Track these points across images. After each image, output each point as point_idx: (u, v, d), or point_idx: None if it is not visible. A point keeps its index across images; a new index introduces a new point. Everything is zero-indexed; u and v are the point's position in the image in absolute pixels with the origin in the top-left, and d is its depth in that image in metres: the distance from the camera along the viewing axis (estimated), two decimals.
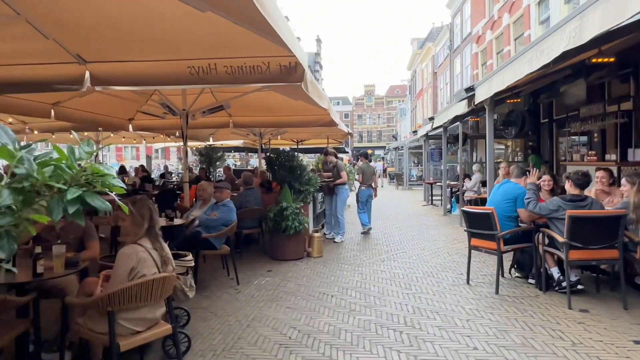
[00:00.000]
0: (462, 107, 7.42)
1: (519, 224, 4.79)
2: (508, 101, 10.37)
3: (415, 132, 14.89)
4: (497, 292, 4.56)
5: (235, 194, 7.06)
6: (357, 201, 8.58)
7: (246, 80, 4.34)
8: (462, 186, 9.45)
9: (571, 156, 9.23)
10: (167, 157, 29.57)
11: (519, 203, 4.68)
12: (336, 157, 8.32)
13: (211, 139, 14.20)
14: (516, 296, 4.46)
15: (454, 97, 7.31)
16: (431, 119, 10.89)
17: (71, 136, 11.81)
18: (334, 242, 7.87)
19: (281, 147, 22.88)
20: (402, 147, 23.89)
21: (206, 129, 12.21)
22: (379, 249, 7.16)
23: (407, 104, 53.17)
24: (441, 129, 11.46)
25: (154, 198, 8.95)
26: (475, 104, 6.72)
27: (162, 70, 4.48)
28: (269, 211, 6.52)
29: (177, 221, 5.16)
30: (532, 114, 14.09)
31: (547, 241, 4.43)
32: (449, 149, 15.12)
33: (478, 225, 4.73)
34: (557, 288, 4.43)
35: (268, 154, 7.57)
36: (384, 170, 43.86)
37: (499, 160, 17.60)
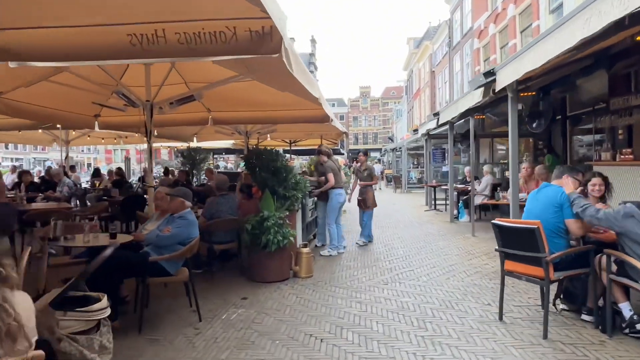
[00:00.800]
0: (476, 97, 6.25)
1: (569, 241, 3.62)
2: (522, 95, 9.25)
3: (415, 130, 13.75)
4: (545, 336, 3.36)
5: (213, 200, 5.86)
6: (366, 207, 7.47)
7: (206, 52, 3.16)
8: (473, 190, 8.27)
9: (599, 155, 8.10)
10: (159, 158, 28.27)
11: (566, 212, 3.51)
12: (330, 157, 7.13)
13: (195, 139, 13.05)
14: (573, 342, 3.27)
15: (470, 83, 6.15)
16: (436, 114, 9.74)
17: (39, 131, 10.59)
18: (328, 255, 6.68)
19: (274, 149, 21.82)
20: (400, 147, 22.75)
21: (189, 128, 11.08)
22: (381, 266, 5.96)
23: (404, 104, 52.15)
24: (446, 127, 10.31)
25: (117, 205, 7.72)
26: (496, 90, 5.55)
27: (94, 39, 3.30)
28: (245, 222, 5.32)
29: (121, 239, 3.93)
30: (540, 112, 13.02)
31: (614, 267, 3.26)
32: (456, 148, 14.01)
33: (516, 244, 3.55)
34: (627, 330, 3.25)
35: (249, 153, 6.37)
36: (381, 172, 42.80)
37: (504, 162, 16.53)
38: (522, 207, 5.93)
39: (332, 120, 7.20)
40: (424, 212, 12.01)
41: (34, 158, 48.95)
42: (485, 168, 9.58)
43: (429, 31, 36.09)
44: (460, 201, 10.19)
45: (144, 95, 5.31)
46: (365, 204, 7.45)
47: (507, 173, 15.31)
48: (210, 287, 5.03)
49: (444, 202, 12.36)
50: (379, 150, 62.05)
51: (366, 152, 7.96)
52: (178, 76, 6.21)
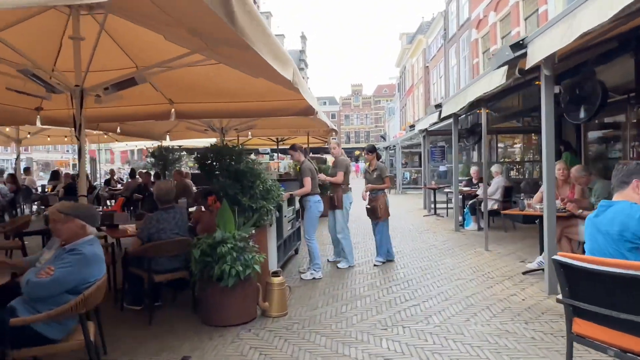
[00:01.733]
0: (496, 80, 4.92)
1: None
2: (537, 82, 7.96)
3: (412, 126, 12.43)
4: None
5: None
6: (377, 217, 6.08)
7: None
8: (486, 194, 6.95)
9: (635, 152, 6.85)
10: (122, 161, 26.71)
11: None
12: (306, 155, 5.78)
13: (168, 137, 11.62)
14: None
15: (491, 60, 4.78)
16: (438, 106, 8.40)
17: None
18: (310, 278, 5.32)
19: (260, 149, 20.15)
20: (394, 146, 21.44)
21: (161, 124, 9.74)
22: (377, 297, 4.60)
23: (396, 102, 50.97)
24: (449, 121, 8.99)
25: None
26: (527, 67, 4.23)
27: None
28: (194, 246, 3.94)
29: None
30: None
31: None
32: (463, 146, 12.69)
33: (602, 296, 2.20)
34: None
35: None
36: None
37: (508, 161, 15.30)
38: (558, 219, 4.65)
39: (317, 113, 5.87)
40: (423, 218, 10.68)
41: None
42: (495, 168, 8.28)
43: (422, 26, 34.85)
44: (466, 206, 8.87)
45: (73, 79, 3.90)
46: (375, 214, 6.06)
47: (512, 174, 14.10)
48: (143, 335, 3.64)
49: (444, 206, 11.05)
50: None
51: (373, 148, 6.35)
52: (127, 60, 4.85)
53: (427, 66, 30.30)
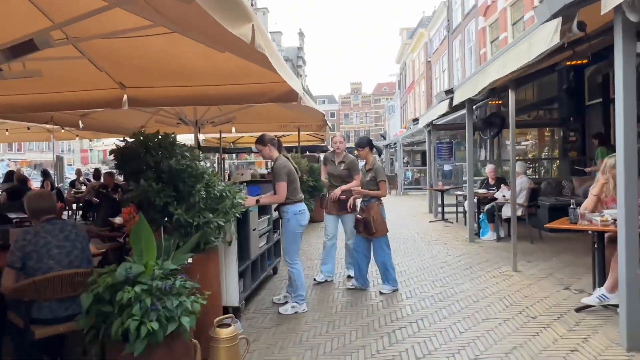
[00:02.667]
0: (541, 42, 3.52)
1: None
2: (561, 68, 6.57)
3: (415, 120, 10.99)
4: None
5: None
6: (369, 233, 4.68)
7: None
8: (514, 197, 5.53)
9: None
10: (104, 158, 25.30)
11: None
12: (281, 150, 4.38)
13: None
14: None
15: (537, 9, 3.32)
16: (449, 92, 6.99)
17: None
18: (292, 312, 3.92)
19: (254, 147, 18.74)
20: (395, 143, 20.02)
21: (136, 117, 8.36)
22: (376, 354, 3.19)
23: (396, 100, 49.60)
24: (461, 112, 7.60)
25: None
26: (603, 12, 2.81)
27: None
28: (90, 284, 2.53)
29: None
30: (572, 94, 10.36)
31: None
32: (478, 140, 11.18)
33: None
34: None
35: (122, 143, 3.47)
36: None
37: (520, 159, 13.87)
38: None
39: (300, 98, 4.47)
40: (430, 225, 9.26)
41: None
42: (518, 167, 6.85)
43: (424, 20, 33.44)
44: (482, 212, 7.47)
45: None
46: (369, 229, 4.58)
47: (527, 173, 12.68)
48: None
49: (453, 209, 9.64)
50: None
51: (367, 142, 4.87)
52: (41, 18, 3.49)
53: (429, 61, 28.92)
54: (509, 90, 5.15)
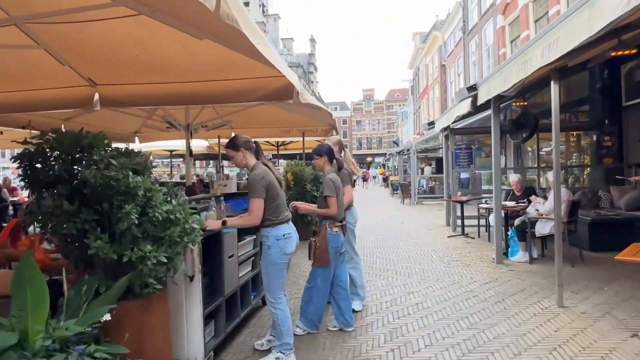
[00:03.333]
0: (612, 8, 2.56)
1: None
2: (592, 64, 5.53)
3: (431, 124, 9.93)
4: None
5: None
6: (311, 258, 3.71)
7: None
8: (559, 212, 4.52)
9: None
10: None
11: None
12: (259, 156, 3.42)
13: (137, 139, 9.45)
14: None
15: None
16: (472, 88, 6.01)
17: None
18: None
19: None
20: (408, 149, 19.01)
21: (129, 122, 7.74)
22: None
23: (409, 106, 48.54)
24: (486, 113, 6.63)
25: None
26: None
27: None
28: None
29: None
30: (607, 94, 9.29)
31: None
32: (513, 141, 10.12)
33: None
34: None
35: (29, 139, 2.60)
36: (385, 179, 38.88)
37: (545, 167, 12.73)
38: None
39: (299, 93, 3.57)
40: (449, 241, 8.23)
41: None
42: (553, 177, 5.81)
43: (437, 24, 32.48)
44: (511, 228, 6.45)
45: None
46: (309, 253, 3.67)
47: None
48: None
49: (474, 222, 8.60)
50: (384, 155, 58.45)
51: (328, 152, 3.85)
52: None
53: (444, 64, 27.91)
54: (551, 82, 4.17)
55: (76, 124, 7.34)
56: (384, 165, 46.32)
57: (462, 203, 8.36)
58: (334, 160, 3.91)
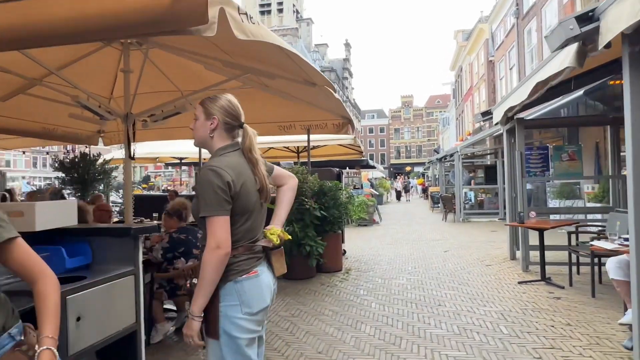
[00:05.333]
0: None
1: None
2: None
3: (486, 114, 7.05)
4: None
5: None
6: None
7: None
8: None
9: None
10: None
11: None
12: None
13: (101, 141, 7.31)
14: None
15: None
16: (586, 17, 3.12)
17: None
18: None
19: (282, 162, 15.13)
20: (452, 155, 15.90)
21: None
22: None
23: (451, 111, 44.95)
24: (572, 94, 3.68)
25: None
26: None
27: None
28: None
29: None
30: None
31: None
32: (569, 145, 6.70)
33: None
34: None
35: None
36: (424, 190, 35.35)
37: None
38: None
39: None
40: (521, 289, 5.22)
41: None
42: None
43: (481, 20, 29.17)
44: None
45: None
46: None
47: None
48: None
49: (558, 257, 5.55)
50: (423, 164, 54.91)
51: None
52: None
53: (491, 60, 24.61)
54: None
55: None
56: (423, 175, 42.94)
57: (542, 231, 5.33)
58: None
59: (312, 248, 6.08)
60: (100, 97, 5.06)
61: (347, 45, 56.92)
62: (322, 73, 4.17)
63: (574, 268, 5.44)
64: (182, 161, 12.81)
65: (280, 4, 65.62)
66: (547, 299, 4.74)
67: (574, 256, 5.34)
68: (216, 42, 3.37)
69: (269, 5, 66.57)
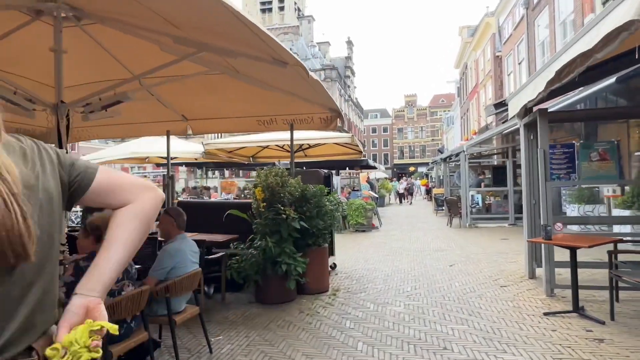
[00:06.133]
0: None
1: None
2: None
3: (500, 105, 5.87)
4: None
5: None
6: None
7: None
8: None
9: None
10: None
11: None
12: None
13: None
14: None
15: None
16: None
17: None
18: None
19: (277, 162, 14.06)
20: (457, 154, 14.75)
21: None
22: None
23: (456, 110, 43.73)
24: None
25: None
26: None
27: None
28: None
29: None
30: None
31: None
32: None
33: None
34: None
35: None
36: (428, 191, 34.10)
37: None
38: None
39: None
40: (548, 325, 4.13)
41: None
42: None
43: (487, 14, 28.01)
44: None
45: None
46: None
47: None
48: None
49: (599, 284, 4.45)
50: (427, 164, 53.71)
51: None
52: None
53: (498, 55, 23.47)
54: None
55: None
56: (426, 176, 41.78)
57: (574, 250, 4.21)
58: None
59: (289, 267, 5.01)
60: (33, 82, 4.17)
61: (350, 43, 55.68)
62: (292, 53, 3.14)
63: (622, 294, 4.34)
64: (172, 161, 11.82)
65: (281, 1, 64.56)
66: (585, 341, 3.64)
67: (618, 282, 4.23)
68: (163, 13, 2.83)
69: (270, 3, 65.49)
